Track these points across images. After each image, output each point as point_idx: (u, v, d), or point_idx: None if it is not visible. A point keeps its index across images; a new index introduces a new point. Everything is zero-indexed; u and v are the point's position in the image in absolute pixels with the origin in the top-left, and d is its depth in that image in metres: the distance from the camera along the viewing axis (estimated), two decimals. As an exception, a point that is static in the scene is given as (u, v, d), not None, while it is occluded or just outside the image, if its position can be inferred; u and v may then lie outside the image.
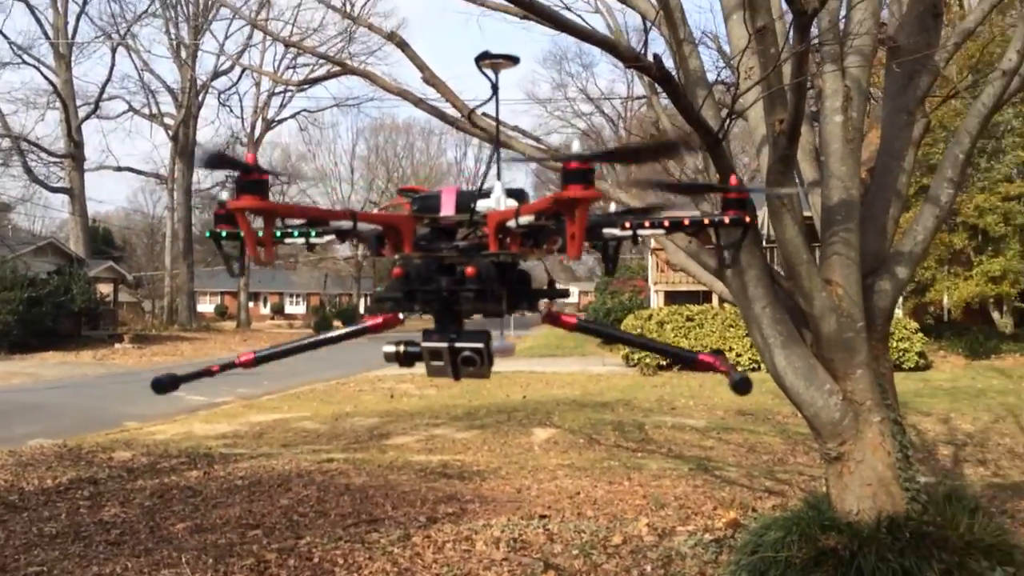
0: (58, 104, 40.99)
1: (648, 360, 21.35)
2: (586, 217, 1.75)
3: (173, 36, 44.96)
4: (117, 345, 31.02)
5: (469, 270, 2.02)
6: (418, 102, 6.72)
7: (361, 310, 51.55)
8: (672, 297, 28.35)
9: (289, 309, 65.23)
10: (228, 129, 69.72)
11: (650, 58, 3.36)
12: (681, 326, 21.71)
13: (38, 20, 45.14)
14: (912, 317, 22.54)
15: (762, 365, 4.64)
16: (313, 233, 2.26)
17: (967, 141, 4.75)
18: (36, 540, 6.21)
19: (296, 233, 2.24)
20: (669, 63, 4.23)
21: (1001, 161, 22.45)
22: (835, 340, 4.21)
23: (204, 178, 45.18)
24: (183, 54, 44.54)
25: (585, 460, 9.35)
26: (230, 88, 53.81)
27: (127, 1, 62.62)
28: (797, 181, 4.82)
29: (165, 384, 2.03)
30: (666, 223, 2.28)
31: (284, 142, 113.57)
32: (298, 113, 51.06)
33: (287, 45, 40.62)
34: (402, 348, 2.12)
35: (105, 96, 44.03)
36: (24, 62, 41.38)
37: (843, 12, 4.84)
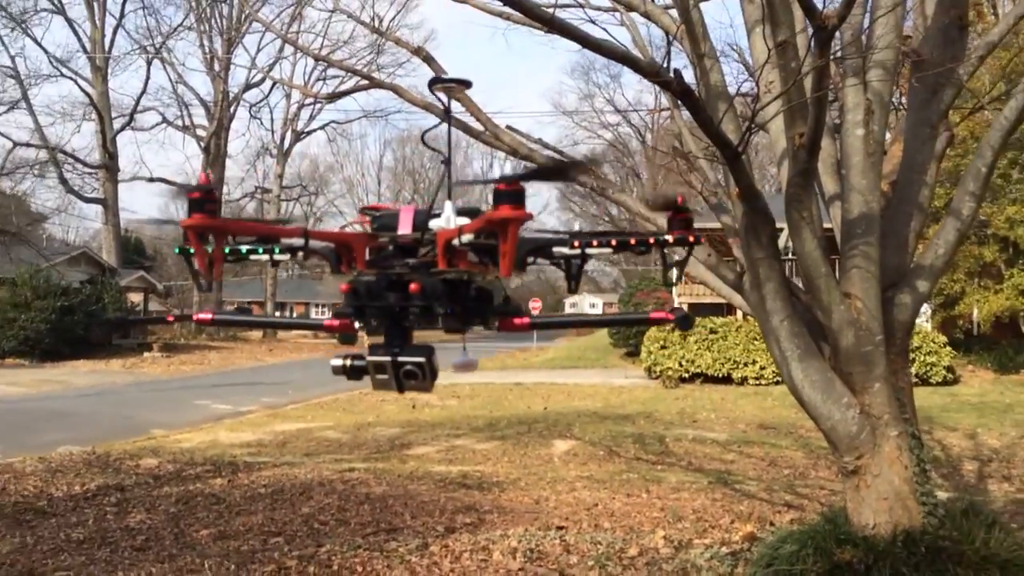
0: (94, 116, 41.84)
1: (670, 373, 21.26)
2: (516, 236, 1.81)
3: (207, 49, 45.82)
4: (146, 354, 31.46)
5: (412, 287, 2.08)
6: (444, 116, 6.80)
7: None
8: (696, 309, 28.20)
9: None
10: (259, 140, 70.66)
11: (671, 73, 3.39)
12: (704, 338, 21.60)
13: (76, 34, 46.10)
14: (940, 331, 22.25)
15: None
16: (261, 251, 2.32)
17: (990, 155, 4.72)
18: (64, 545, 6.33)
19: (227, 250, 2.29)
20: (690, 77, 4.28)
21: (1033, 173, 22.12)
22: (853, 354, 4.21)
23: (234, 189, 45.78)
24: (216, 67, 45.28)
25: (604, 472, 9.34)
26: (261, 100, 54.53)
27: (162, 15, 63.98)
28: (818, 193, 4.82)
29: (116, 324, 2.10)
30: (613, 242, 2.35)
31: (313, 153, 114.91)
32: (327, 125, 51.78)
33: (317, 59, 41.19)
34: (349, 362, 2.19)
35: (140, 108, 44.95)
36: (62, 75, 42.37)
37: (866, 25, 4.84)
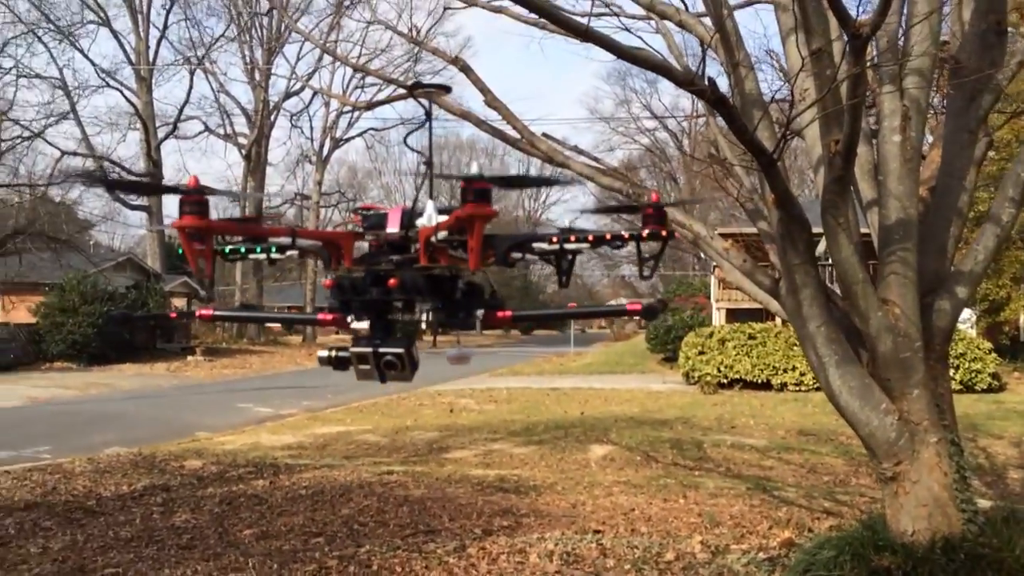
0: (139, 125, 42.89)
1: (709, 378, 21.12)
2: (482, 232, 1.92)
3: (247, 59, 46.63)
4: (189, 358, 32.13)
5: (391, 281, 2.20)
6: (480, 123, 6.88)
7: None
8: (734, 315, 28.02)
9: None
10: (298, 148, 71.66)
11: (705, 81, 3.44)
12: (743, 344, 21.42)
13: (121, 46, 47.19)
14: (986, 337, 21.81)
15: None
16: (259, 249, 2.46)
17: (1030, 160, 4.68)
18: (112, 543, 6.54)
19: (228, 250, 2.43)
20: (725, 85, 4.30)
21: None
22: (891, 360, 4.20)
23: (274, 195, 46.44)
24: (257, 76, 46.07)
25: (641, 477, 9.35)
26: (301, 109, 55.35)
27: (205, 26, 65.26)
28: (854, 200, 4.81)
29: (119, 320, 2.25)
30: (590, 237, 2.46)
31: (351, 160, 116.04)
32: (365, 132, 52.41)
33: (355, 69, 41.73)
34: (334, 353, 2.35)
35: (183, 117, 45.94)
36: (109, 85, 43.51)
37: (902, 31, 4.82)
